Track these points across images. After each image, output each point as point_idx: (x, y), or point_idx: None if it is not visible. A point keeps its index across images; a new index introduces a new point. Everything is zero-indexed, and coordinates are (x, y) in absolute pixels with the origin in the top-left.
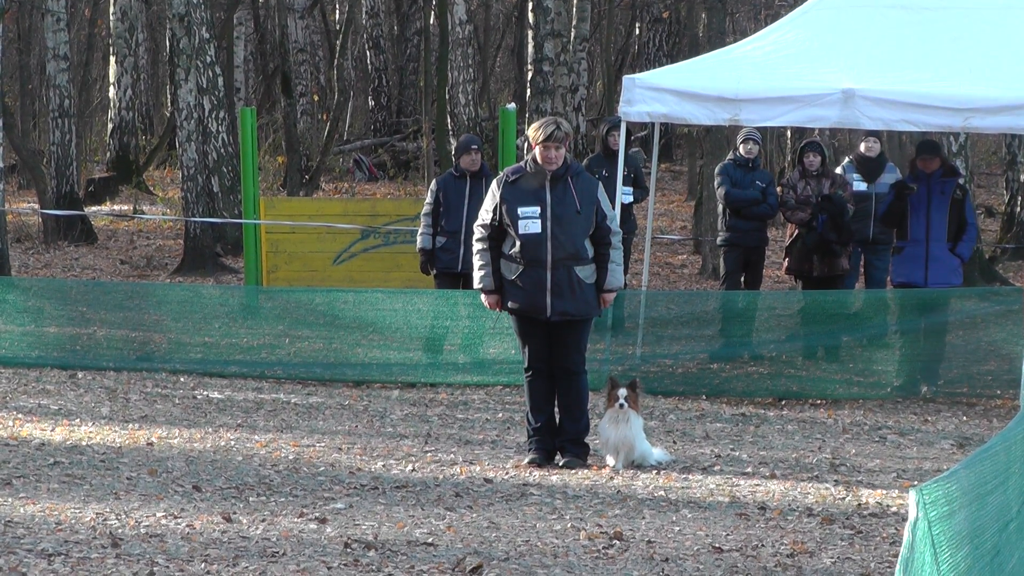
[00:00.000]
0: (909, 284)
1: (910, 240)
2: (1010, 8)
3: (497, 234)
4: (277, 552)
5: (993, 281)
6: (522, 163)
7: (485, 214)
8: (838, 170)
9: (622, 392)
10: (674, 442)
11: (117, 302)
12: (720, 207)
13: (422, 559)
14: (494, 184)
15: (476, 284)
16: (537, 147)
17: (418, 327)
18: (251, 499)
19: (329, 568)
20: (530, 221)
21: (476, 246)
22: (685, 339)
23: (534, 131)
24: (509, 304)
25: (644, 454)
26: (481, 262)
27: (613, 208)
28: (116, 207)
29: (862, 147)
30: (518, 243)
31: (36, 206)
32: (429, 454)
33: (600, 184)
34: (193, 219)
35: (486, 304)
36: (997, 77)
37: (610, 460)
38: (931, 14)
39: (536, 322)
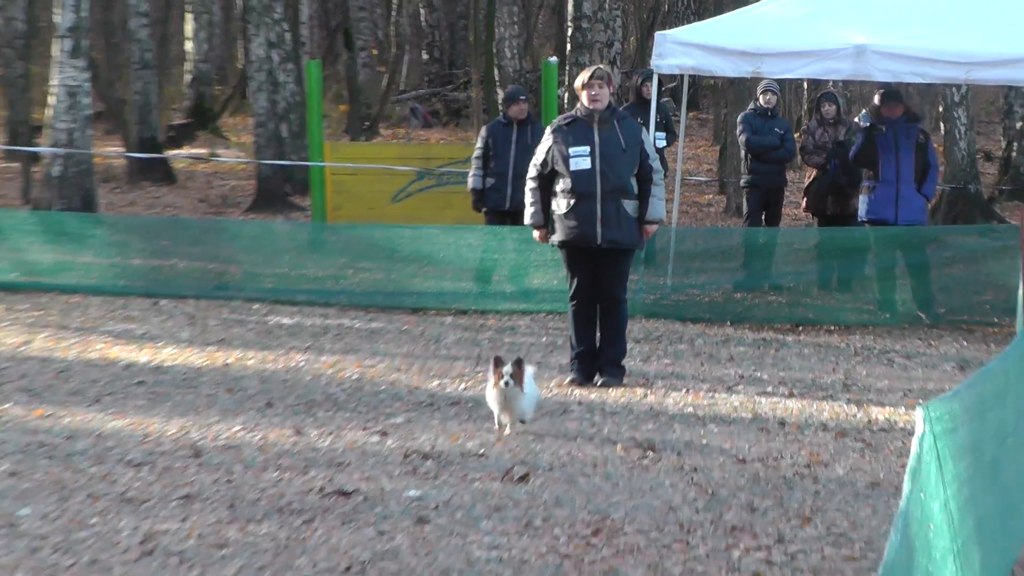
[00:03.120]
0: (880, 221)
1: (881, 181)
2: None
3: (548, 177)
4: (343, 462)
5: (991, 219)
6: (573, 111)
7: (538, 156)
8: (855, 119)
9: (507, 369)
10: (702, 364)
11: (195, 237)
12: (743, 152)
13: (474, 468)
14: (548, 129)
15: (527, 220)
16: (584, 92)
17: (469, 260)
18: (319, 414)
19: (390, 476)
20: (580, 159)
21: (529, 184)
22: (711, 271)
23: (580, 76)
24: (561, 237)
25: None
26: (532, 199)
27: None
28: (193, 151)
29: (876, 98)
30: (569, 179)
31: (121, 150)
32: (480, 374)
33: (643, 128)
34: (264, 162)
35: (536, 237)
36: (997, 33)
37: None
38: None
39: (584, 254)
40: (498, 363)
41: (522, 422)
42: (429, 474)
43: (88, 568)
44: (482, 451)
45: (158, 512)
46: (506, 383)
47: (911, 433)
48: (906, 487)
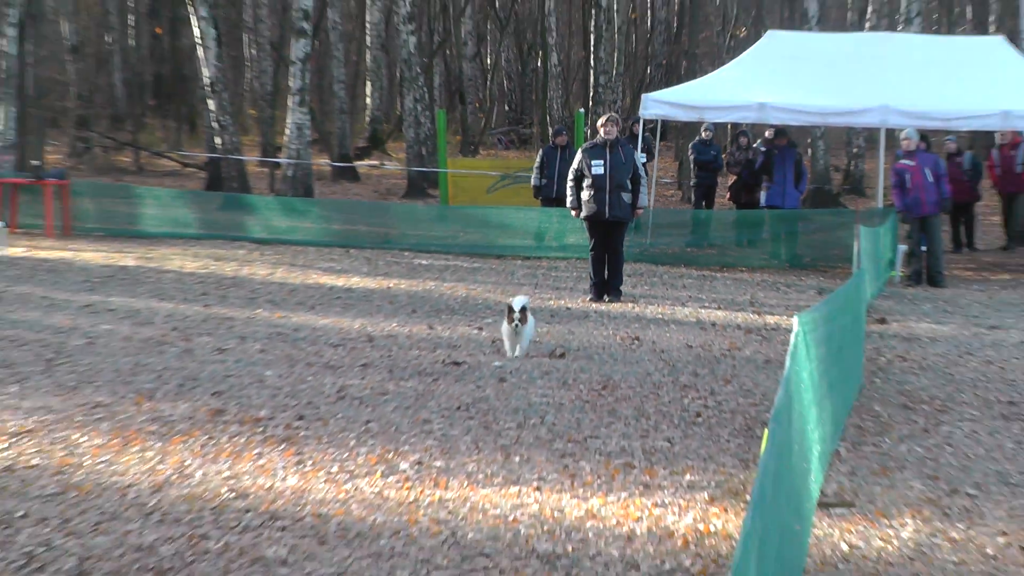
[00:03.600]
0: (773, 206)
1: (774, 182)
2: (859, 56)
3: (578, 178)
4: (457, 345)
5: (839, 206)
6: (594, 139)
7: (575, 165)
8: (756, 145)
9: (516, 316)
10: (667, 289)
11: (371, 212)
12: (692, 165)
13: (533, 349)
14: (579, 150)
15: (568, 204)
16: (601, 128)
17: (531, 227)
18: (443, 317)
19: (484, 353)
20: (598, 167)
21: (569, 183)
22: (673, 235)
23: (600, 119)
24: (585, 213)
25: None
26: (571, 193)
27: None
28: (370, 162)
29: (768, 133)
30: (591, 179)
31: (327, 161)
32: (537, 292)
33: (635, 151)
34: (411, 168)
35: (572, 214)
36: (844, 93)
37: (510, 352)
38: (808, 63)
39: (598, 223)
40: (510, 310)
41: (521, 352)
42: (506, 352)
43: (306, 406)
44: (538, 339)
45: (347, 373)
46: (516, 325)
47: (790, 331)
48: (788, 363)
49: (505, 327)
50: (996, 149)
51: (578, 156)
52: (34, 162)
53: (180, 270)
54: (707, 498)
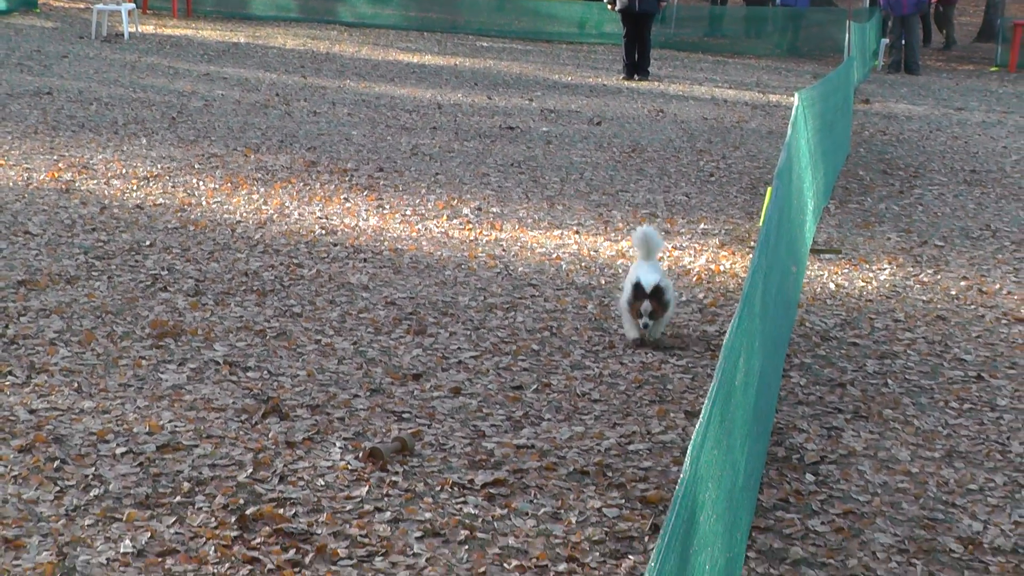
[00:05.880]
0: (787, 4)
1: None
2: None
3: None
4: (511, 113)
5: (831, 5)
6: None
7: None
8: None
9: (645, 307)
10: (687, 71)
11: (442, 1)
12: None
13: (575, 118)
14: None
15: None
16: None
17: (575, 17)
18: (499, 89)
19: (534, 120)
20: None
21: None
22: (693, 26)
23: None
24: (619, 7)
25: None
26: None
27: None
28: None
29: None
30: None
31: None
32: (578, 71)
33: None
34: None
35: (608, 8)
36: None
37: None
38: None
39: (630, 15)
40: (638, 295)
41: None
42: (552, 119)
43: (385, 160)
44: (578, 109)
45: (419, 135)
46: (645, 324)
47: (790, 107)
48: (789, 131)
49: (627, 319)
50: None
51: None
52: None
53: (282, 47)
54: (718, 243)
